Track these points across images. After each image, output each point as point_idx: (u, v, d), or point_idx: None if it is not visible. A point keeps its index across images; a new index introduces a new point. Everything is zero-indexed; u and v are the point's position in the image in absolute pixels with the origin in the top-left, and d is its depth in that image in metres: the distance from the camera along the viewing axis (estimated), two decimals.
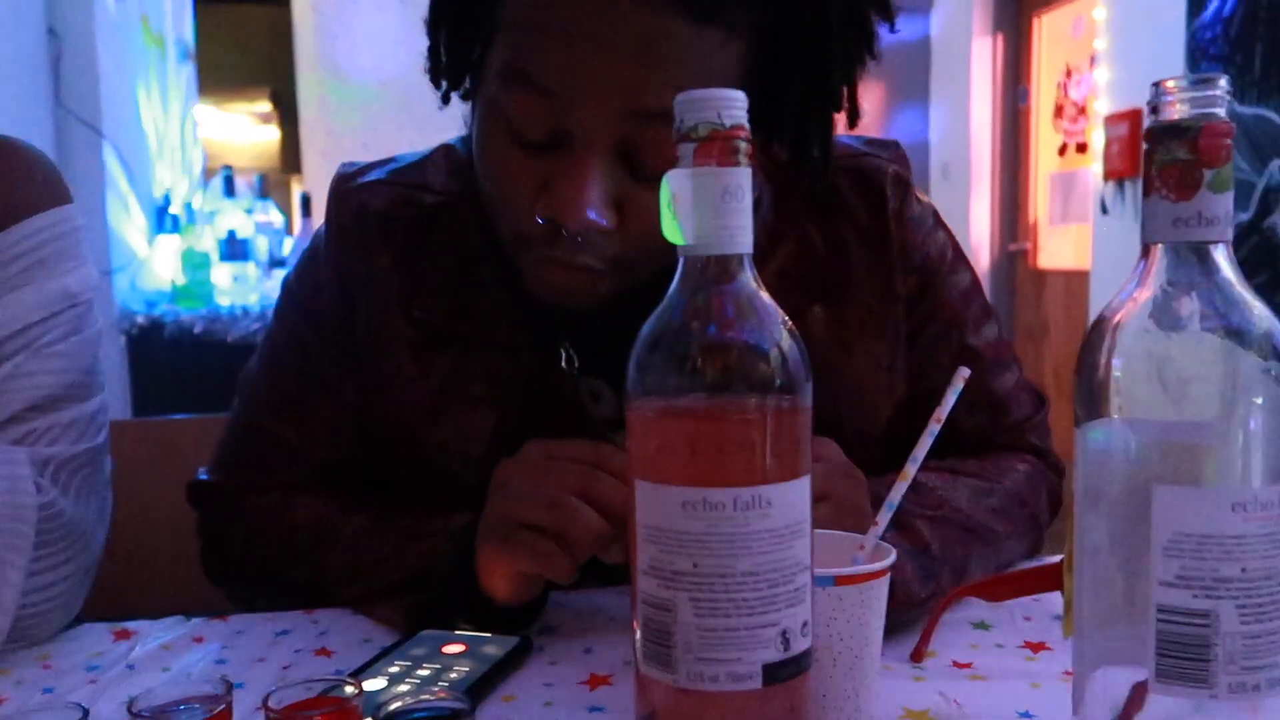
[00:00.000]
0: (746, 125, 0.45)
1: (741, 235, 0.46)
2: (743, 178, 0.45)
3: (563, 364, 0.80)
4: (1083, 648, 0.49)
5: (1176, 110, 0.46)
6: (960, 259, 0.86)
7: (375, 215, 0.82)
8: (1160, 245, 0.47)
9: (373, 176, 0.84)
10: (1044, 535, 0.85)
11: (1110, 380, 0.47)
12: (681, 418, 0.46)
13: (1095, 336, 0.48)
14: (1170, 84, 0.46)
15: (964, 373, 0.56)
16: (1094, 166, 3.84)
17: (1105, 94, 3.71)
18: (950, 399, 0.56)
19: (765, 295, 0.46)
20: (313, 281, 0.85)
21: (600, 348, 0.79)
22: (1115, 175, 3.62)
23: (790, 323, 0.47)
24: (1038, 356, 4.46)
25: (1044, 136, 4.51)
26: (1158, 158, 0.46)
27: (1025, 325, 4.64)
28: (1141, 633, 0.46)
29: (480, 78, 0.71)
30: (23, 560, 0.70)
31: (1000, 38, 4.66)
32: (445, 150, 0.85)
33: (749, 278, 0.46)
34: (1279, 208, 2.88)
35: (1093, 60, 3.84)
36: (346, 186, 0.83)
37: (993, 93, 4.70)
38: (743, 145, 0.45)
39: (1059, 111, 4.37)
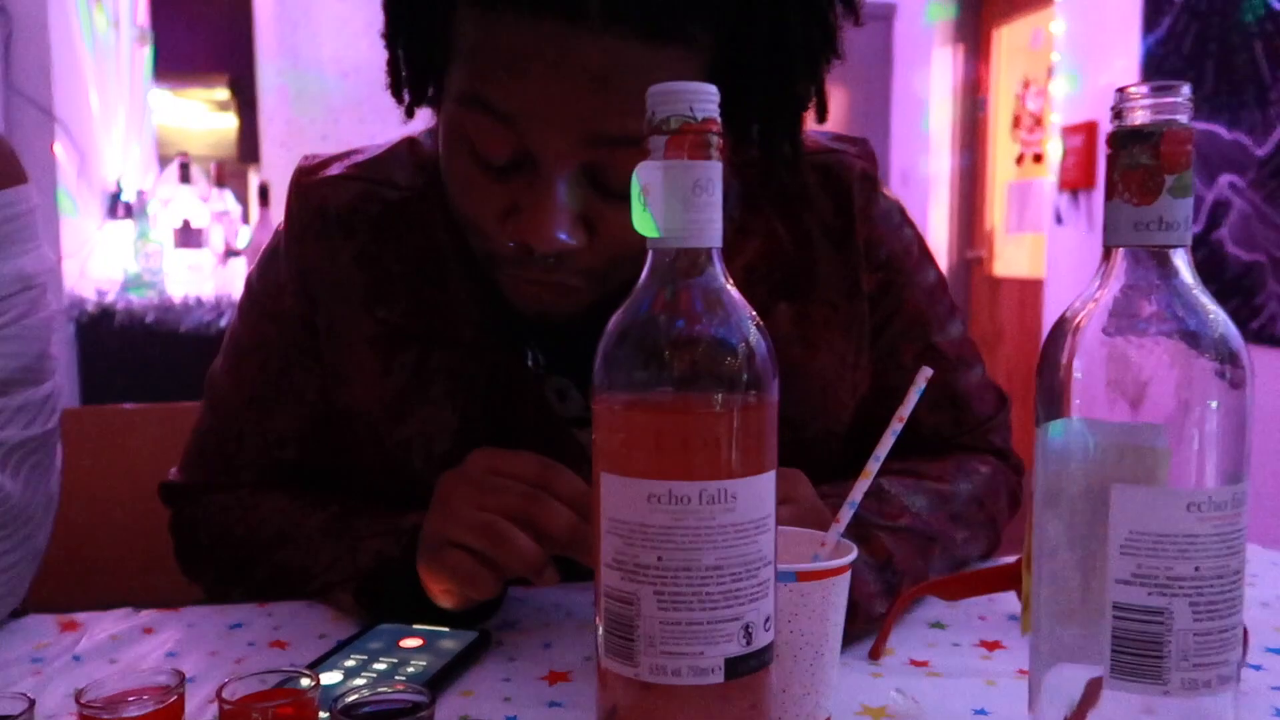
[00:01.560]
0: (718, 118, 0.45)
1: (711, 229, 0.46)
2: (714, 171, 0.45)
3: (528, 362, 0.79)
4: (1039, 645, 0.50)
5: (1139, 116, 0.46)
6: (926, 256, 0.87)
7: (337, 211, 0.80)
8: (1121, 249, 0.47)
9: (334, 171, 0.82)
10: (1000, 536, 0.86)
11: (1070, 381, 0.48)
12: (648, 411, 0.46)
13: (1056, 337, 0.49)
14: (1134, 90, 0.47)
15: (926, 372, 0.56)
16: (1049, 177, 3.90)
17: (1061, 106, 3.76)
18: (913, 398, 0.56)
19: (733, 290, 0.47)
20: (274, 279, 0.83)
21: (565, 346, 0.79)
22: (1070, 186, 3.68)
23: (758, 318, 0.47)
24: (991, 363, 4.52)
25: (1001, 146, 4.57)
26: (1120, 162, 0.47)
27: (979, 332, 4.70)
28: (1097, 630, 0.46)
29: (442, 90, 0.69)
30: None
31: (960, 48, 4.72)
32: (409, 144, 0.83)
33: (718, 272, 0.46)
34: (1226, 221, 2.94)
35: (1050, 73, 3.90)
36: (307, 181, 0.81)
37: (952, 102, 4.75)
38: (714, 139, 0.45)
39: (1016, 122, 4.43)
